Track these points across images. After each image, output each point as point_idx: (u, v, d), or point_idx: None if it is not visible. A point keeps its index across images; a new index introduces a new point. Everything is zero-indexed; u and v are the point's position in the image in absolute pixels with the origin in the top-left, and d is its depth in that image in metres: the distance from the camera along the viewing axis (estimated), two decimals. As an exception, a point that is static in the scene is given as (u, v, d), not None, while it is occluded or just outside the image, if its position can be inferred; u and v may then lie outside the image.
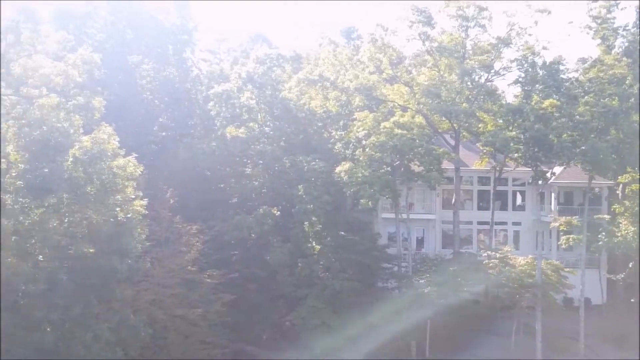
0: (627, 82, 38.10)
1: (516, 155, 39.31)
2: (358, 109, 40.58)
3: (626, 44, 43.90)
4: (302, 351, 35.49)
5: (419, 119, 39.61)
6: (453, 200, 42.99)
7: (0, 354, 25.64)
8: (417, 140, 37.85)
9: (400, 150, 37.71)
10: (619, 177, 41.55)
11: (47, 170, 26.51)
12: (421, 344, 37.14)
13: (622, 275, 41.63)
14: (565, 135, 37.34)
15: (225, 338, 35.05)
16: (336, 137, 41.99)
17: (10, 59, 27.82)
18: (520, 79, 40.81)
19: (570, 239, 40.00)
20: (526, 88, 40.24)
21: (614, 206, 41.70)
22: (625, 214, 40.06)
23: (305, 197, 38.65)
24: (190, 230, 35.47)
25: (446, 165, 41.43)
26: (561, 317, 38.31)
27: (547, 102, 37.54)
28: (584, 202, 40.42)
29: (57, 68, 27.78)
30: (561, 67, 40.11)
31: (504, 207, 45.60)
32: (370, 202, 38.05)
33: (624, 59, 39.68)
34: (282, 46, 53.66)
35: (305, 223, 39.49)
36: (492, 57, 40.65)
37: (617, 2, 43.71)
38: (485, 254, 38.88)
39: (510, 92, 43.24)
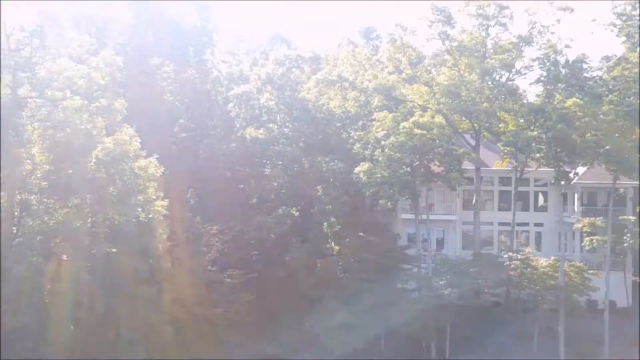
0: (652, 80, 37.28)
1: (538, 155, 38.78)
2: (377, 109, 40.45)
3: (652, 42, 42.97)
4: (321, 352, 35.49)
5: (439, 119, 39.33)
6: (473, 200, 42.58)
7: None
8: (437, 141, 37.58)
9: (420, 151, 37.47)
10: (645, 178, 40.64)
11: (70, 171, 27.05)
12: (441, 345, 36.84)
13: (649, 278, 40.77)
14: (588, 134, 36.69)
15: (245, 338, 35.22)
16: (355, 137, 41.91)
17: (36, 63, 28.48)
18: (542, 78, 40.25)
19: (594, 241, 39.26)
20: (548, 87, 39.67)
21: (640, 207, 40.88)
22: (652, 215, 39.22)
23: (324, 198, 38.67)
24: (210, 231, 35.78)
25: (466, 165, 41.06)
26: (585, 320, 37.61)
27: (570, 102, 36.95)
28: (608, 202, 39.64)
29: (80, 71, 28.34)
30: (584, 66, 39.45)
31: (525, 208, 45.04)
32: (389, 203, 37.90)
33: (650, 56, 38.85)
34: (301, 47, 53.90)
35: (324, 223, 39.49)
36: (513, 56, 40.15)
37: (643, -2, 42.84)
38: (507, 255, 38.39)
39: (531, 91, 42.69)
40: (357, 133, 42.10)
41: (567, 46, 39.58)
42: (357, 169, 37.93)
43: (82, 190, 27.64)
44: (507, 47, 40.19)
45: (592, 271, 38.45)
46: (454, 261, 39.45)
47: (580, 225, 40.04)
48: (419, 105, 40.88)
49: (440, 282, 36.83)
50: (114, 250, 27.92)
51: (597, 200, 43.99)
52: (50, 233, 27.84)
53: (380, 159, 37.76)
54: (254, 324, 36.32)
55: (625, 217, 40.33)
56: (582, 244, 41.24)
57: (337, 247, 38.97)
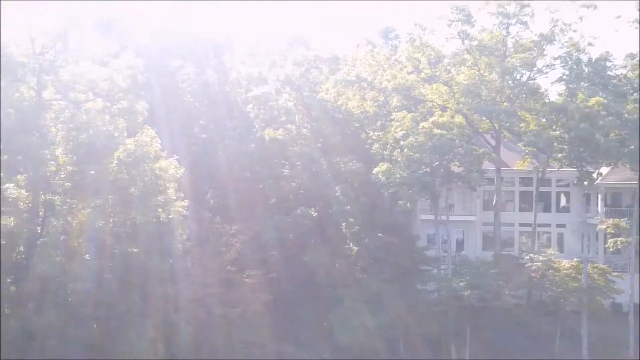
0: (679, 78, 36.47)
1: (560, 155, 38.21)
2: (396, 109, 40.29)
3: (678, 39, 41.97)
4: (340, 352, 35.47)
5: (459, 118, 39.01)
6: (494, 201, 42.12)
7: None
8: (457, 141, 37.28)
9: (440, 151, 37.20)
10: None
11: (93, 172, 27.51)
12: (461, 347, 36.50)
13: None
14: (612, 134, 36.03)
15: (264, 338, 35.33)
16: (373, 137, 41.79)
17: (59, 66, 29.05)
18: (564, 77, 39.65)
19: (619, 242, 38.49)
20: (571, 86, 39.07)
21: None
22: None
23: (342, 198, 38.62)
24: (229, 231, 36.01)
25: (487, 165, 40.65)
26: (609, 322, 36.91)
27: (593, 100, 36.32)
28: (633, 203, 38.86)
29: (102, 73, 28.83)
30: (608, 64, 38.79)
31: (547, 209, 44.39)
32: (408, 204, 37.68)
33: (676, 54, 38.02)
34: (319, 48, 53.82)
35: (343, 224, 39.45)
36: (535, 55, 39.64)
37: (669, -5, 41.89)
38: (528, 257, 37.88)
39: (553, 90, 42.13)
40: (376, 133, 41.97)
41: (590, 44, 38.94)
42: (375, 170, 37.81)
43: (105, 191, 28.10)
44: (528, 46, 39.68)
45: (616, 273, 37.77)
46: (474, 262, 39.07)
47: (603, 227, 39.31)
48: (439, 105, 40.60)
49: (460, 284, 36.49)
50: (135, 250, 28.28)
51: (622, 201, 43.13)
52: (73, 233, 28.36)
53: (399, 159, 37.59)
54: (273, 324, 36.40)
55: (650, 218, 39.47)
56: (606, 246, 40.46)
57: (355, 248, 38.90)
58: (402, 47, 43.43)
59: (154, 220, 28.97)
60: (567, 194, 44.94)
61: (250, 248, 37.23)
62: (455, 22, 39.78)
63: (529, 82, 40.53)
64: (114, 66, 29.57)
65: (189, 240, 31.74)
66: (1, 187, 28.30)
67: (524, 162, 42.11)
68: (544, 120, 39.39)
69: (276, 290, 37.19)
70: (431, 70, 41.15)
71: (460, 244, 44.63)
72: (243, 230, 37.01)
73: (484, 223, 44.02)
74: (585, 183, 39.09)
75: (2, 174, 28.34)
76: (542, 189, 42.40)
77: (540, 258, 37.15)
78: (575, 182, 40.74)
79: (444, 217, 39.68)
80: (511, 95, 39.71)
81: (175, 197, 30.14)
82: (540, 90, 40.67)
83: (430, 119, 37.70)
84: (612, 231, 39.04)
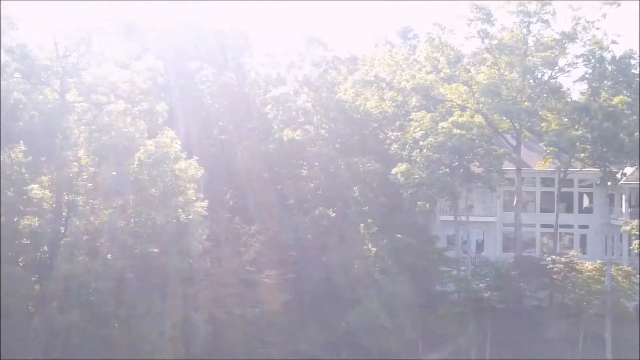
0: None
1: (583, 155, 37.64)
2: (415, 109, 40.08)
3: None
4: (358, 352, 35.41)
5: (479, 118, 38.65)
6: (514, 202, 41.61)
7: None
8: (477, 141, 36.95)
9: (459, 151, 36.90)
10: (698, 178, 38.82)
11: (114, 173, 27.86)
12: (481, 349, 36.15)
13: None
14: (637, 133, 35.35)
15: (282, 338, 35.45)
16: (392, 138, 41.61)
17: (82, 68, 29.53)
18: (587, 75, 39.03)
19: (644, 244, 37.76)
20: (594, 84, 38.46)
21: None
22: None
23: (360, 199, 38.52)
24: (248, 231, 36.19)
25: (507, 166, 40.18)
26: (634, 325, 36.18)
27: (616, 99, 35.71)
28: (659, 204, 38.10)
29: (123, 76, 29.21)
30: (632, 62, 38.04)
31: (569, 210, 43.67)
32: (428, 204, 37.48)
33: (703, 51, 37.14)
34: (337, 48, 53.77)
35: (361, 225, 39.35)
36: (556, 53, 39.10)
37: (695, -10, 40.94)
38: (550, 258, 37.37)
39: (576, 89, 41.55)
40: (395, 133, 41.79)
41: (613, 42, 38.27)
42: (394, 170, 37.65)
43: (126, 192, 28.44)
44: (549, 44, 39.14)
45: (641, 275, 36.99)
46: (494, 263, 38.66)
47: (628, 228, 38.52)
48: (458, 104, 40.28)
49: (480, 285, 36.17)
50: (155, 250, 28.55)
51: (647, 201, 42.26)
52: (95, 233, 28.73)
53: (418, 159, 37.37)
54: (292, 324, 36.50)
55: (677, 219, 38.60)
56: (631, 247, 39.62)
57: (374, 249, 38.74)
58: (421, 46, 43.24)
59: (174, 220, 29.20)
60: (590, 195, 44.16)
61: (269, 248, 37.35)
62: (475, 21, 39.44)
63: (551, 81, 40.00)
64: (134, 68, 29.95)
65: (208, 240, 31.94)
66: (26, 187, 28.87)
67: (545, 162, 41.54)
68: (565, 119, 38.83)
69: (295, 290, 37.24)
70: (450, 70, 40.84)
71: (480, 245, 44.18)
72: (262, 231, 37.15)
73: (504, 224, 43.52)
74: (609, 183, 38.43)
75: (26, 175, 28.90)
76: (564, 189, 41.77)
77: (563, 260, 36.62)
78: (598, 182, 40.06)
79: (463, 218, 39.34)
80: (532, 95, 39.20)
81: (194, 198, 30.37)
82: (562, 89, 40.11)
83: (450, 119, 37.41)
84: (637, 232, 38.24)
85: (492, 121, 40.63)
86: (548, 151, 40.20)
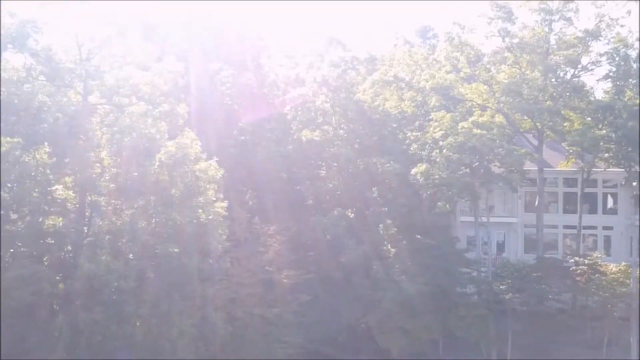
0: None
1: (607, 155, 36.96)
2: (434, 109, 39.78)
3: None
4: (378, 353, 35.29)
5: (499, 118, 38.20)
6: (536, 202, 41.03)
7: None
8: (497, 141, 36.52)
9: (480, 151, 36.52)
10: None
11: (136, 174, 28.24)
12: (502, 351, 35.71)
13: None
14: (663, 132, 34.60)
15: (302, 338, 35.50)
16: (412, 138, 41.37)
17: (104, 71, 30.03)
18: (611, 74, 38.32)
19: (671, 246, 36.96)
20: (618, 83, 37.73)
21: None
22: None
23: (379, 200, 38.37)
24: (267, 231, 36.33)
25: (529, 166, 39.65)
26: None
27: (642, 98, 34.97)
28: (686, 205, 37.20)
29: (144, 78, 29.61)
30: (658, 59, 37.21)
31: (593, 211, 42.89)
32: (447, 205, 37.17)
33: None
34: (356, 48, 53.69)
35: (380, 226, 39.20)
36: (579, 52, 38.44)
37: None
38: (573, 260, 36.75)
39: (599, 87, 40.80)
40: (414, 134, 41.52)
41: (639, 39, 37.48)
42: (414, 170, 37.43)
43: (147, 192, 28.79)
44: (572, 43, 38.51)
45: (668, 278, 36.12)
46: (516, 265, 38.16)
47: (654, 229, 37.78)
48: (478, 104, 39.88)
49: (501, 287, 35.74)
50: (176, 250, 28.83)
51: (674, 202, 41.30)
52: (117, 233, 29.13)
53: (438, 159, 37.08)
54: (311, 325, 36.54)
55: None
56: (657, 249, 38.87)
57: (393, 250, 38.53)
58: (441, 46, 42.90)
59: (194, 220, 29.45)
60: (614, 195, 43.29)
61: (287, 248, 37.45)
62: (496, 20, 39.01)
63: (573, 79, 39.34)
64: (155, 70, 30.33)
65: (228, 240, 32.15)
66: (50, 188, 29.45)
67: (568, 162, 40.90)
68: (589, 119, 38.18)
69: (314, 290, 37.29)
70: (470, 69, 40.46)
71: (501, 246, 43.67)
72: (281, 231, 37.26)
73: (525, 225, 42.96)
74: (634, 184, 37.70)
75: (51, 175, 29.48)
76: (587, 190, 41.05)
77: (586, 261, 36.00)
78: (623, 182, 39.28)
79: (484, 219, 38.92)
80: (554, 94, 38.59)
81: (214, 198, 30.60)
82: (585, 88, 39.43)
83: (470, 119, 37.05)
84: (664, 234, 37.49)
85: (513, 121, 40.13)
86: (571, 151, 39.56)
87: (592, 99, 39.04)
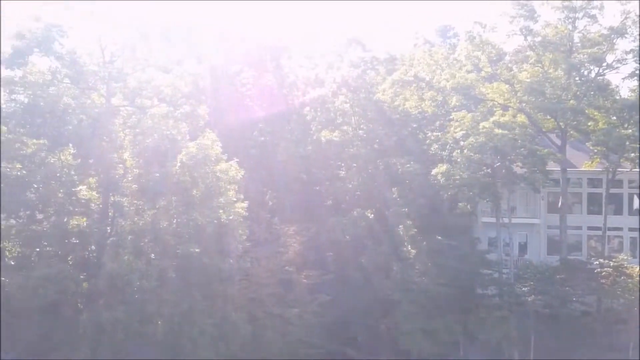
0: None
1: (633, 155, 36.13)
2: (455, 109, 39.42)
3: None
4: (397, 355, 35.13)
5: (521, 118, 37.68)
6: (559, 203, 40.35)
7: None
8: (519, 141, 36.04)
9: (501, 151, 36.08)
10: None
11: (158, 174, 28.59)
12: (525, 354, 35.22)
13: None
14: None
15: (321, 338, 35.54)
16: (432, 138, 41.07)
17: (127, 73, 30.49)
18: (637, 72, 37.45)
19: (699, 247, 35.99)
20: (645, 81, 36.84)
21: None
22: None
23: (399, 200, 38.18)
24: (287, 232, 36.46)
25: (552, 166, 39.04)
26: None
27: (669, 96, 34.13)
28: None
29: (166, 80, 29.99)
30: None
31: (618, 212, 41.96)
32: (469, 206, 36.80)
33: None
34: (376, 48, 53.49)
35: (400, 226, 38.99)
36: (604, 49, 37.65)
37: None
38: (597, 262, 36.05)
39: (625, 86, 39.88)
40: (435, 134, 41.22)
41: (666, 36, 36.59)
42: (434, 171, 37.15)
43: (168, 193, 29.12)
44: (596, 40, 37.77)
45: (696, 281, 35.20)
46: (538, 267, 37.61)
47: (682, 231, 36.84)
48: (500, 104, 39.38)
49: (524, 289, 35.26)
50: (197, 250, 29.08)
51: (703, 203, 40.26)
52: (139, 233, 29.52)
53: (459, 160, 36.73)
54: (330, 325, 36.56)
55: None
56: (685, 251, 37.92)
57: (413, 251, 38.33)
58: (461, 45, 42.41)
59: (215, 221, 29.67)
60: (641, 196, 42.41)
61: (307, 249, 37.53)
62: (518, 18, 38.46)
63: (598, 78, 38.57)
64: (176, 73, 30.71)
65: (248, 240, 32.33)
66: (75, 189, 29.99)
67: (592, 162, 40.14)
68: (614, 118, 37.41)
69: (333, 291, 37.29)
70: (492, 69, 39.96)
71: (523, 248, 43.06)
72: (300, 231, 37.38)
73: (548, 226, 42.29)
74: (661, 184, 36.78)
75: (75, 176, 30.04)
76: (612, 190, 40.21)
77: (611, 263, 35.31)
78: (650, 183, 38.38)
79: (505, 220, 38.43)
80: (578, 93, 37.91)
81: (235, 199, 30.79)
82: (610, 87, 38.61)
83: (491, 119, 36.62)
84: (692, 236, 36.53)
85: (536, 120, 39.52)
86: (595, 151, 38.81)
87: (618, 97, 38.23)
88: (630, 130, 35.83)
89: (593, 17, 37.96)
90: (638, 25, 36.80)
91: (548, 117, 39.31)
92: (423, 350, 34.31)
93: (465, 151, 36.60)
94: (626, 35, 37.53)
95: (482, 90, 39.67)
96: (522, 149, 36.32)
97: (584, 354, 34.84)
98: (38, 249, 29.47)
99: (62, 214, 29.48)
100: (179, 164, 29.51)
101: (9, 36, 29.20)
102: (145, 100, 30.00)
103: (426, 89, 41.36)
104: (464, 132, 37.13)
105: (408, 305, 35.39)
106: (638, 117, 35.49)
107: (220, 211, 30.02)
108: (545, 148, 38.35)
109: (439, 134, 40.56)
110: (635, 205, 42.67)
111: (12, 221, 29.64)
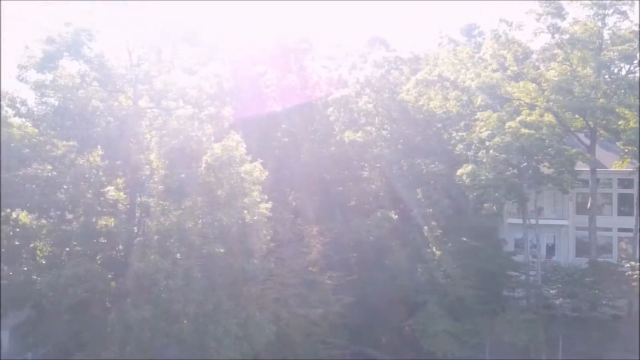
0: None
1: (665, 154, 35.16)
2: (480, 109, 38.94)
3: None
4: (422, 356, 34.87)
5: (549, 117, 36.99)
6: (589, 204, 39.50)
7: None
8: (547, 140, 35.40)
9: (528, 151, 35.50)
10: None
11: (183, 175, 28.83)
12: (552, 358, 34.57)
13: None
14: None
15: (345, 339, 35.48)
16: (457, 138, 40.63)
17: (153, 76, 30.88)
18: (669, 69, 36.44)
19: None
20: (677, 79, 35.79)
21: None
22: None
23: (423, 201, 37.87)
24: (311, 232, 36.47)
25: (580, 166, 38.25)
26: None
27: None
28: None
29: (191, 82, 30.22)
30: None
31: (650, 213, 40.95)
32: (494, 207, 36.29)
33: None
34: (399, 48, 53.35)
35: (425, 227, 38.68)
36: (635, 46, 36.71)
37: None
38: (628, 265, 35.20)
39: (657, 83, 38.70)
40: (460, 134, 40.78)
41: (699, 32, 35.50)
42: (459, 171, 36.76)
43: (194, 194, 29.31)
44: (627, 37, 36.85)
45: None
46: (567, 269, 36.90)
47: None
48: (526, 103, 38.76)
49: (551, 291, 34.64)
50: (221, 250, 29.23)
51: None
52: (166, 233, 29.81)
53: (484, 160, 36.27)
54: (355, 326, 36.47)
55: None
56: None
57: (438, 252, 37.98)
58: (487, 44, 41.84)
59: (239, 221, 29.71)
60: (673, 197, 41.19)
61: (331, 250, 37.50)
62: (545, 16, 37.78)
63: (629, 75, 37.64)
64: (201, 74, 30.93)
65: (272, 241, 32.39)
66: (103, 190, 30.55)
67: (622, 162, 39.19)
68: (646, 116, 36.41)
69: (357, 292, 37.17)
70: (518, 67, 39.35)
71: (550, 249, 42.32)
72: (324, 232, 37.36)
73: (577, 227, 41.48)
74: (696, 185, 35.67)
75: (103, 177, 30.58)
76: (644, 191, 39.26)
77: (643, 266, 34.42)
78: (683, 183, 37.27)
79: (532, 221, 37.80)
80: (608, 91, 37.04)
81: (259, 200, 30.85)
82: (641, 85, 37.62)
83: (518, 118, 36.06)
84: None
85: (564, 120, 38.77)
86: (626, 151, 37.86)
87: (650, 95, 37.25)
88: (662, 129, 34.86)
89: (623, 14, 37.08)
90: (671, 21, 35.85)
91: (576, 116, 38.52)
92: (448, 352, 33.99)
93: (490, 151, 36.11)
94: (658, 32, 36.56)
95: (508, 89, 39.09)
96: (550, 149, 35.67)
97: (613, 357, 34.02)
98: (68, 249, 30.04)
99: (91, 214, 29.96)
100: (204, 165, 29.70)
101: (40, 40, 29.84)
102: (170, 102, 30.25)
103: (451, 88, 40.95)
104: (489, 132, 36.65)
105: (433, 307, 35.10)
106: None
107: (245, 212, 30.08)
108: (573, 148, 37.60)
109: (464, 134, 40.10)
110: (668, 206, 41.54)
111: (43, 221, 30.31)
